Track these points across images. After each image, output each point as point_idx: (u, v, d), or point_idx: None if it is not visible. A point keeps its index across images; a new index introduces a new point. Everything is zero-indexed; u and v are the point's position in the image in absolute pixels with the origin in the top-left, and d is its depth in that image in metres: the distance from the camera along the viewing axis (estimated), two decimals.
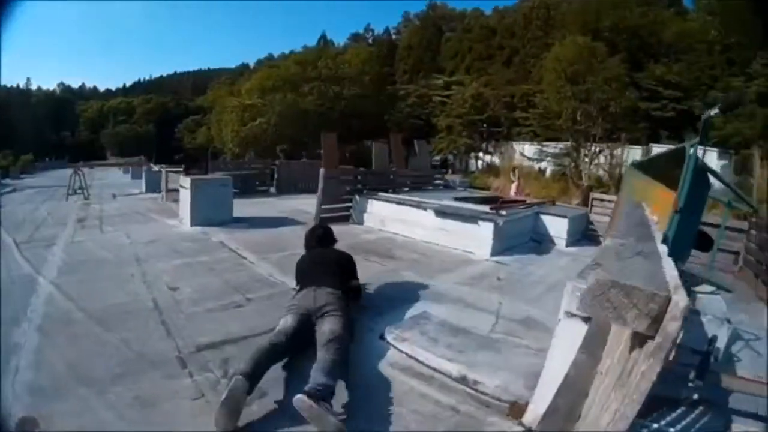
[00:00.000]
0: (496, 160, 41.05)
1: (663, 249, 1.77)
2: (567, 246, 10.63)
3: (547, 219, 11.33)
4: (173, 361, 4.16)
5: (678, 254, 3.88)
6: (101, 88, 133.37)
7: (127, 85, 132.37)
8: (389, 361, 4.43)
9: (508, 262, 8.81)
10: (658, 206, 4.14)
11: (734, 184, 19.31)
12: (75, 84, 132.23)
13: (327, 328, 4.30)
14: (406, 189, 14.27)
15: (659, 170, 4.56)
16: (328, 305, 4.58)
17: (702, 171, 4.04)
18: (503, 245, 9.62)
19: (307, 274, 5.24)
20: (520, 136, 41.22)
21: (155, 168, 21.70)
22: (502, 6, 65.26)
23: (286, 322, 4.44)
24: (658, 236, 2.20)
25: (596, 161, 30.45)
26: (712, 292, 4.40)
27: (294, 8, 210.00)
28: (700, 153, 3.82)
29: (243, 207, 13.03)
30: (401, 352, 4.59)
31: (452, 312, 5.68)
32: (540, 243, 10.94)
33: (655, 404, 3.42)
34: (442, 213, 10.34)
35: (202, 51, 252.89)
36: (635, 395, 1.26)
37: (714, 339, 3.36)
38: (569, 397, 1.66)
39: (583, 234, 11.70)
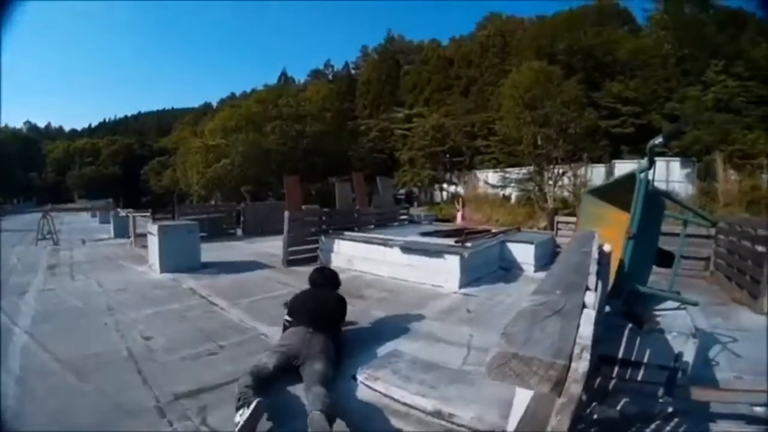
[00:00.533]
0: (460, 189, 41.21)
1: (590, 299, 1.90)
2: (535, 271, 10.83)
3: (513, 246, 11.55)
4: (152, 410, 4.18)
5: (636, 278, 4.04)
6: (67, 128, 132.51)
7: (93, 125, 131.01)
8: (363, 400, 4.46)
9: (477, 293, 8.93)
10: (614, 230, 4.28)
11: (700, 189, 19.77)
12: (41, 123, 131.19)
13: (319, 368, 4.51)
14: (372, 227, 14.44)
15: (615, 195, 4.69)
16: (322, 352, 4.76)
17: (654, 195, 4.16)
18: (471, 276, 9.74)
19: (305, 312, 5.37)
20: (483, 164, 41.59)
21: (122, 213, 21.59)
22: (458, 36, 66.03)
23: (270, 360, 4.64)
24: (592, 280, 2.33)
25: (560, 183, 30.80)
26: (677, 308, 4.52)
27: (254, 45, 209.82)
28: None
29: (211, 252, 13.05)
30: (375, 390, 4.63)
31: (423, 348, 5.76)
32: (508, 270, 11.13)
33: (631, 422, 3.59)
34: (408, 249, 10.42)
35: (165, 90, 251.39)
36: None
37: (680, 355, 3.49)
38: (541, 405, 1.76)
39: (551, 258, 11.84)
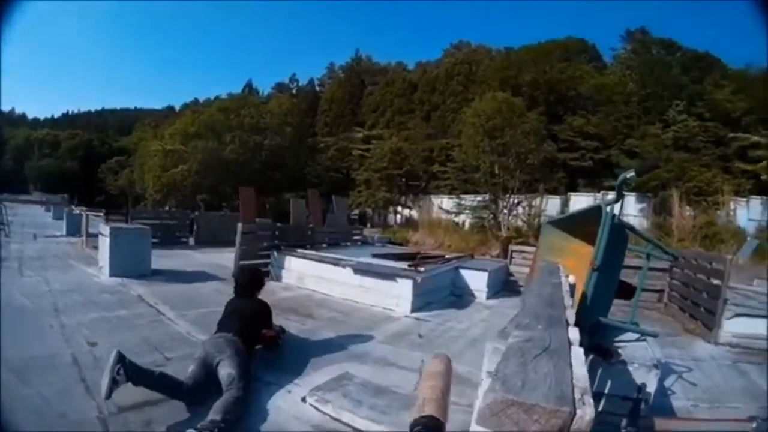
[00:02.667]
0: (414, 213, 41.38)
1: (574, 335, 1.86)
2: (487, 298, 10.92)
3: (466, 273, 11.59)
4: (94, 421, 4.06)
5: (599, 310, 4.09)
6: (30, 116, 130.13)
7: (56, 116, 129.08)
8: (312, 424, 4.44)
9: (429, 318, 8.94)
10: (576, 261, 4.31)
11: (654, 224, 20.23)
12: (5, 107, 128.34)
13: (224, 373, 4.60)
14: (325, 245, 14.38)
15: (577, 226, 4.74)
16: (222, 352, 4.81)
17: (619, 228, 4.21)
18: (423, 301, 9.77)
19: (222, 319, 5.54)
20: (439, 190, 41.83)
21: (76, 210, 21.25)
22: (425, 61, 66.53)
23: (191, 368, 4.72)
24: (571, 314, 2.33)
25: (515, 212, 31.21)
26: (637, 339, 4.57)
27: (221, 52, 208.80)
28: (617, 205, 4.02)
29: (162, 258, 12.85)
30: (324, 414, 4.60)
31: (375, 372, 5.74)
32: (460, 297, 11.17)
33: None
34: (360, 270, 10.39)
35: (129, 88, 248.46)
36: None
37: (643, 386, 3.52)
38: None
39: (503, 285, 12.07)
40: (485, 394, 1.25)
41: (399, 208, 43.09)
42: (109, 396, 4.08)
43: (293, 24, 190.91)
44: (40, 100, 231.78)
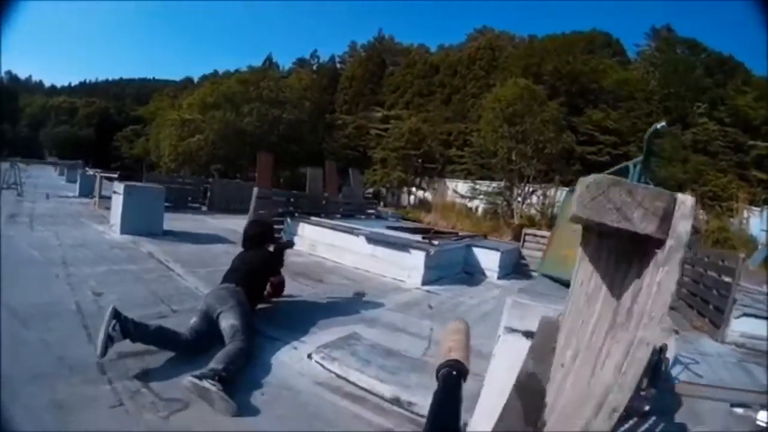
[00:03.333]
0: (428, 196, 41.32)
1: None
2: (498, 279, 10.81)
3: (478, 252, 11.53)
4: (92, 366, 3.97)
5: None
6: (47, 83, 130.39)
7: (73, 84, 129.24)
8: (317, 381, 4.35)
9: (439, 292, 8.87)
10: None
11: None
12: (22, 75, 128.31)
13: (226, 324, 4.56)
14: (338, 216, 14.28)
15: None
16: (225, 303, 4.77)
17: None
18: (434, 275, 9.70)
19: (227, 271, 5.50)
20: (454, 174, 41.78)
21: (90, 172, 21.23)
22: (447, 44, 66.07)
23: (192, 320, 4.68)
24: None
25: (529, 201, 31.11)
26: None
27: (243, 26, 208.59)
28: None
29: (174, 221, 12.79)
30: (330, 372, 4.53)
31: (383, 335, 5.67)
32: (471, 275, 11.09)
33: None
34: (373, 240, 10.36)
35: (148, 59, 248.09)
36: (647, 321, 1.09)
37: (664, 347, 3.42)
38: (525, 398, 1.62)
39: (515, 268, 11.94)
40: (578, 184, 1.18)
41: (413, 189, 43.08)
42: (104, 353, 4.00)
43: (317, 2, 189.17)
44: (58, 68, 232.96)
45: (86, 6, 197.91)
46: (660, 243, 1.10)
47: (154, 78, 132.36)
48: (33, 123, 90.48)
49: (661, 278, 1.08)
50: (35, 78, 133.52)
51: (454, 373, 1.37)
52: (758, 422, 3.69)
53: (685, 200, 1.08)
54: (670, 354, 3.60)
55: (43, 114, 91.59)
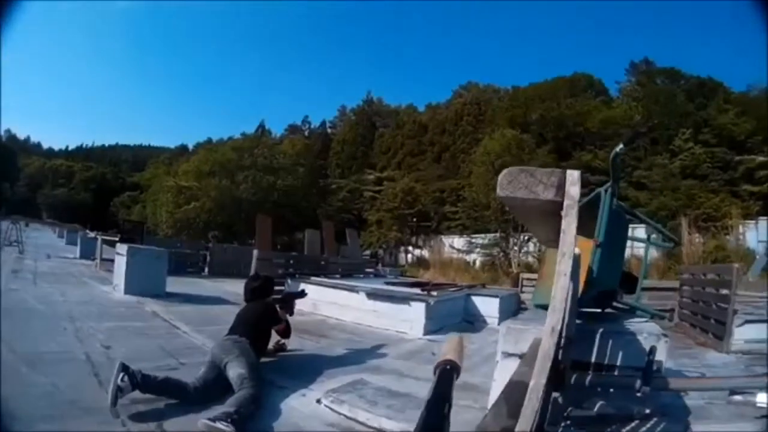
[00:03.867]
0: (425, 253, 41.44)
1: None
2: (499, 325, 10.76)
3: (478, 300, 11.66)
4: (106, 410, 4.01)
5: (605, 282, 4.13)
6: (45, 146, 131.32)
7: (70, 148, 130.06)
8: (327, 422, 4.41)
9: (442, 340, 8.77)
10: (583, 254, 4.38)
11: (664, 252, 20.50)
12: (21, 135, 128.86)
13: (233, 373, 4.64)
14: (338, 276, 14.37)
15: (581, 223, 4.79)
16: (230, 353, 4.87)
17: (618, 211, 4.37)
18: (435, 325, 9.72)
19: (229, 328, 5.57)
20: (450, 230, 42.02)
21: (91, 234, 21.38)
22: (434, 103, 66.99)
23: (200, 371, 4.80)
24: None
25: (525, 248, 31.34)
26: (645, 321, 4.60)
27: (235, 93, 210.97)
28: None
29: (175, 284, 12.79)
30: (339, 414, 4.58)
31: (389, 380, 5.71)
32: (472, 323, 11.16)
33: (608, 422, 3.63)
34: (374, 295, 10.41)
35: (143, 126, 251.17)
36: (561, 257, 1.71)
37: (653, 349, 3.53)
38: (514, 397, 1.80)
39: (515, 313, 11.80)
40: (500, 175, 1.83)
41: (410, 248, 43.23)
42: (114, 404, 4.07)
43: (305, 66, 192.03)
44: (55, 131, 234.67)
45: (83, 73, 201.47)
46: (560, 204, 1.68)
47: (149, 144, 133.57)
48: (31, 184, 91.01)
49: (566, 225, 1.65)
50: (33, 139, 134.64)
51: (448, 368, 1.69)
52: (758, 404, 3.79)
53: (572, 173, 1.68)
54: (661, 356, 3.71)
55: (41, 176, 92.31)
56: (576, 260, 3.57)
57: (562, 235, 1.63)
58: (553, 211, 1.80)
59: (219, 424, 3.71)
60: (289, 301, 6.89)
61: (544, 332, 1.65)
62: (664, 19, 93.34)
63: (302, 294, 7.44)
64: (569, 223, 1.61)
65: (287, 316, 6.66)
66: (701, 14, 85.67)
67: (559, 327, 1.60)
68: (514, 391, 1.83)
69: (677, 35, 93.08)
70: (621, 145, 4.13)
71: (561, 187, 1.64)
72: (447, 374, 1.69)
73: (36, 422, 3.65)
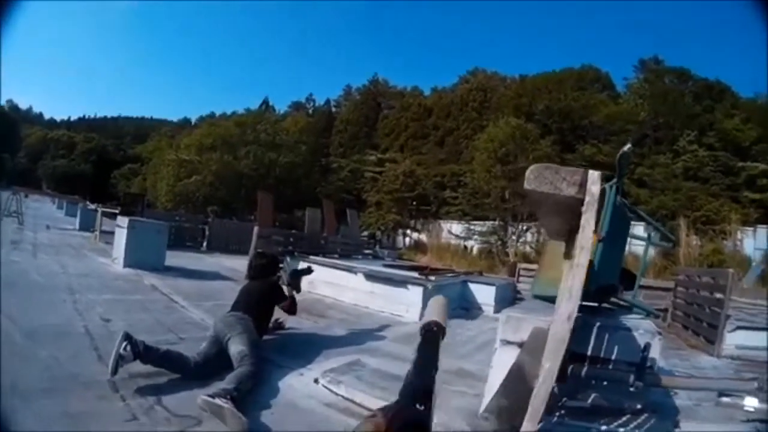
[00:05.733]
0: (423, 237, 41.51)
1: None
2: (495, 313, 10.79)
3: (474, 287, 11.70)
4: (105, 384, 4.06)
5: (605, 276, 4.17)
6: (47, 116, 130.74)
7: (72, 119, 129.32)
8: (325, 402, 4.46)
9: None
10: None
11: (661, 252, 20.63)
12: (23, 105, 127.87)
13: (234, 350, 4.69)
14: (336, 255, 14.39)
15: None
16: (233, 329, 4.92)
17: (621, 208, 4.42)
18: None
19: (233, 303, 5.61)
20: (449, 215, 41.98)
21: (91, 206, 21.36)
22: (440, 87, 66.49)
23: (202, 345, 4.87)
24: None
25: (523, 238, 31.37)
26: (641, 318, 4.66)
27: (240, 69, 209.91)
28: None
29: (174, 259, 12.81)
30: (337, 394, 4.63)
31: (386, 362, 5.74)
32: (468, 310, 11.18)
33: (600, 414, 3.68)
34: (372, 277, 10.47)
35: (146, 98, 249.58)
36: (579, 249, 1.77)
37: (648, 345, 3.59)
38: (513, 393, 1.84)
39: (511, 302, 11.87)
40: (527, 171, 1.99)
41: (408, 231, 43.24)
42: (114, 373, 4.13)
43: (312, 44, 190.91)
44: (57, 101, 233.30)
45: (87, 41, 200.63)
46: (580, 201, 1.82)
47: (152, 117, 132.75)
48: (32, 154, 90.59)
49: (585, 221, 1.75)
50: (36, 109, 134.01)
51: (434, 329, 1.70)
52: (746, 408, 3.83)
53: (593, 173, 1.83)
54: (655, 353, 3.75)
55: (42, 146, 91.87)
56: None
57: (581, 229, 1.73)
58: (572, 207, 1.95)
59: (218, 400, 3.74)
60: (296, 277, 6.98)
61: (558, 319, 1.72)
62: (675, 19, 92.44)
63: (309, 271, 7.51)
64: (588, 219, 1.72)
65: (294, 293, 6.70)
66: (712, 16, 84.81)
67: (574, 315, 1.68)
68: (516, 378, 1.89)
69: (688, 36, 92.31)
70: (629, 145, 4.17)
71: (583, 185, 1.79)
72: (433, 336, 1.71)
73: (36, 395, 3.67)
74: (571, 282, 1.74)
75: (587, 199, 1.77)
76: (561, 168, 1.88)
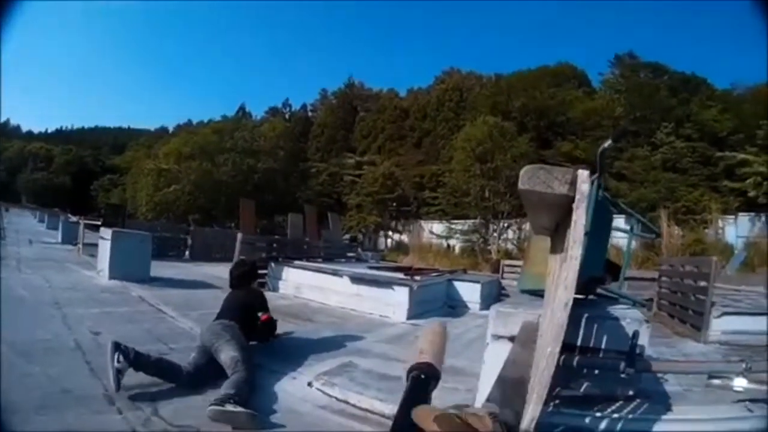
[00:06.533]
0: (405, 238, 41.62)
1: None
2: (481, 309, 10.91)
3: (460, 285, 11.77)
4: (100, 398, 4.07)
5: (590, 269, 4.25)
6: (24, 129, 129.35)
7: (49, 130, 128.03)
8: (319, 405, 4.50)
9: (425, 324, 8.92)
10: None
11: (643, 243, 20.84)
12: (1, 119, 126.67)
13: (225, 357, 4.69)
14: (320, 259, 14.42)
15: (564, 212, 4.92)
16: (221, 337, 4.93)
17: (603, 202, 4.45)
18: (419, 309, 9.79)
19: (217, 313, 5.61)
20: (429, 215, 42.07)
21: (73, 218, 21.26)
22: (416, 88, 66.45)
23: (191, 355, 4.87)
24: None
25: (505, 236, 31.53)
26: (628, 308, 4.72)
27: (215, 76, 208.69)
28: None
29: (159, 269, 12.75)
30: (331, 396, 4.66)
31: (377, 363, 5.78)
32: (454, 308, 11.26)
33: (593, 402, 3.75)
34: (357, 279, 10.49)
35: (123, 108, 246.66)
36: (571, 244, 1.86)
37: (636, 333, 3.67)
38: (512, 382, 1.90)
39: (496, 298, 11.96)
40: (521, 170, 2.18)
41: (390, 233, 43.31)
42: (118, 387, 4.14)
43: (287, 49, 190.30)
44: (34, 114, 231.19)
45: (63, 52, 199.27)
46: (571, 198, 1.94)
47: (129, 127, 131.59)
48: (10, 168, 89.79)
49: (576, 217, 1.85)
50: (13, 122, 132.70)
51: (423, 376, 1.48)
52: (735, 389, 3.92)
53: (583, 173, 1.93)
54: (643, 341, 3.83)
55: (21, 160, 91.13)
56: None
57: (573, 224, 1.84)
58: (563, 204, 2.12)
59: (228, 406, 3.80)
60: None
61: (557, 307, 1.81)
62: (650, 14, 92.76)
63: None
64: (580, 215, 1.83)
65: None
66: (686, 10, 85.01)
67: (571, 303, 1.75)
68: (513, 368, 1.97)
69: (663, 31, 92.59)
70: (609, 141, 4.23)
71: (573, 184, 1.92)
72: (421, 384, 1.51)
73: (32, 413, 3.66)
74: (565, 273, 1.82)
75: (578, 196, 1.88)
76: (554, 168, 2.05)
